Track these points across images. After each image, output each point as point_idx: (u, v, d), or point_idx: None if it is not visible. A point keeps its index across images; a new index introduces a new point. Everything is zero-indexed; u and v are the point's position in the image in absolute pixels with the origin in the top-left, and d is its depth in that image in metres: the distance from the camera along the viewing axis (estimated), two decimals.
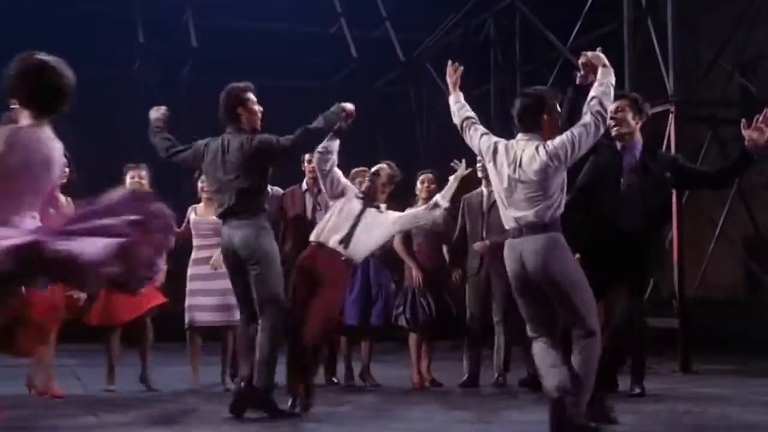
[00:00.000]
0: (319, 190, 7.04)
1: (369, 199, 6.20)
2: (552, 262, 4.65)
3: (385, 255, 7.54)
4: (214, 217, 7.29)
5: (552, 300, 4.73)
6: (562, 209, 4.77)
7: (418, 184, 7.72)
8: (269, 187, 6.28)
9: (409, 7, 14.18)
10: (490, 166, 4.98)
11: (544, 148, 4.70)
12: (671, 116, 9.62)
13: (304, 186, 7.68)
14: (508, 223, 4.84)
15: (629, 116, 5.48)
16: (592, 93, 4.79)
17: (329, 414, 5.81)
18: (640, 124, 5.55)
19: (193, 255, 7.48)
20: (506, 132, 13.07)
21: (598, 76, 4.82)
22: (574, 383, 4.60)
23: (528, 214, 4.70)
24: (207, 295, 7.28)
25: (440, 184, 7.47)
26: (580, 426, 4.59)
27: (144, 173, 7.26)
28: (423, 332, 7.52)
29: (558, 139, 4.71)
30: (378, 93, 15.57)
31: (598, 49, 4.97)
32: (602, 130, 4.82)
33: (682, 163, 5.66)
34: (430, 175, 7.70)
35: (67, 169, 6.93)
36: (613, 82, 4.82)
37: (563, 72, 12.10)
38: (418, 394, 7.18)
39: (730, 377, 8.42)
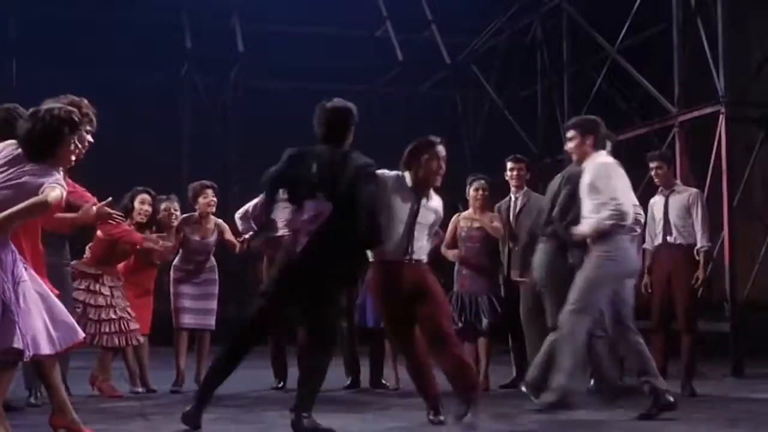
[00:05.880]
0: None
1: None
2: None
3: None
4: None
5: None
6: None
7: (472, 191, 7.59)
8: None
9: (454, 10, 14.13)
10: None
11: None
12: (722, 117, 9.50)
13: None
14: None
15: None
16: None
17: None
18: None
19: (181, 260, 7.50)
20: (553, 134, 12.92)
21: None
22: None
23: None
24: (191, 298, 7.36)
25: (489, 188, 7.58)
26: None
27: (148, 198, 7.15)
28: (491, 335, 7.50)
29: None
30: (423, 96, 15.55)
31: None
32: None
33: None
34: (483, 182, 7.58)
35: None
36: None
37: (611, 73, 12.00)
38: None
39: None
